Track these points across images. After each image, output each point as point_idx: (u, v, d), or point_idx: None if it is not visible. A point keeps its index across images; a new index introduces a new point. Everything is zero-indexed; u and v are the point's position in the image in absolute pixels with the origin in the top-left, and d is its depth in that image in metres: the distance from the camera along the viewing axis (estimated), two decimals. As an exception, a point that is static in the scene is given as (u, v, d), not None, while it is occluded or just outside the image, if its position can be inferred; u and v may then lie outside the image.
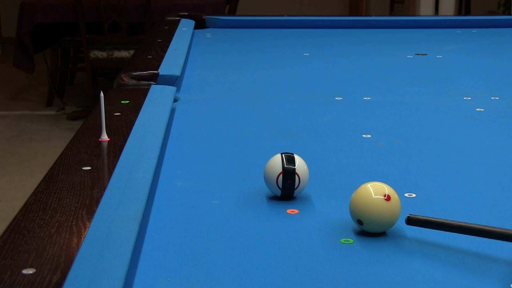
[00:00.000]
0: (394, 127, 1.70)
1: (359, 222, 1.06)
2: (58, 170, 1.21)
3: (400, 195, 1.23)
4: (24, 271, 0.84)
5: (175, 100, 1.84)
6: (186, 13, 3.24)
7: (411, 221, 1.06)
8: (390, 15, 7.30)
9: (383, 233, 1.07)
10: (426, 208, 1.18)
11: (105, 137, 1.38)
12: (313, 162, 1.45)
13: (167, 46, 2.39)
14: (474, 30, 3.11)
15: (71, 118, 5.15)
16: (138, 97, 1.73)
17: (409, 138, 1.61)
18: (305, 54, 2.62)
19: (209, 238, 1.07)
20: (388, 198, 1.06)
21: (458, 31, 3.10)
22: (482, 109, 1.82)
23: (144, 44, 2.54)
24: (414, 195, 1.23)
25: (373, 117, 1.78)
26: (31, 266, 0.86)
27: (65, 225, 0.98)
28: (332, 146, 1.56)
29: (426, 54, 2.57)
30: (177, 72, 2.02)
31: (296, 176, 1.19)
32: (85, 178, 1.17)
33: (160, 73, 1.96)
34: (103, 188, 1.12)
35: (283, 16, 3.36)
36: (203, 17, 3.21)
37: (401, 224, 1.11)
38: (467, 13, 6.93)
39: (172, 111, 1.73)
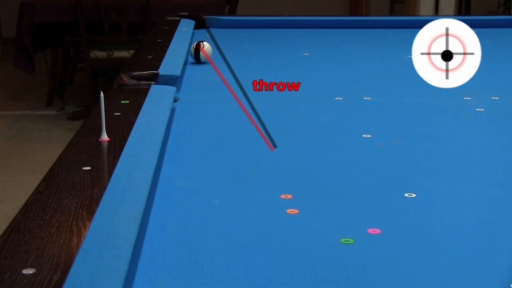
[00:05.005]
0: (394, 127, 1.70)
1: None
2: (58, 170, 1.21)
3: (400, 195, 1.24)
4: (24, 271, 0.84)
5: (175, 100, 1.84)
6: (186, 13, 3.24)
7: None
8: (390, 15, 7.29)
9: (382, 233, 1.07)
10: (426, 208, 1.18)
11: (105, 137, 1.38)
12: (313, 162, 1.45)
13: (167, 46, 2.39)
14: (474, 30, 3.11)
15: (71, 118, 5.15)
16: (138, 97, 1.73)
17: (409, 138, 1.61)
18: (305, 54, 2.62)
19: (209, 238, 1.07)
20: None
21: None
22: (482, 109, 1.82)
23: (144, 44, 2.54)
24: (414, 195, 1.23)
25: (373, 117, 1.78)
26: (31, 266, 0.86)
27: (65, 225, 0.98)
28: (332, 146, 1.56)
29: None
30: (177, 72, 2.02)
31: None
32: (85, 178, 1.17)
33: (160, 73, 1.96)
34: (103, 188, 1.12)
35: (283, 16, 3.36)
36: (203, 17, 3.21)
37: (401, 223, 1.11)
38: (467, 13, 6.93)
39: (172, 111, 1.73)
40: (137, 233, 0.98)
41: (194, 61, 2.35)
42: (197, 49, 2.32)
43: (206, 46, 2.33)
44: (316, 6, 8.04)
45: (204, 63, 2.32)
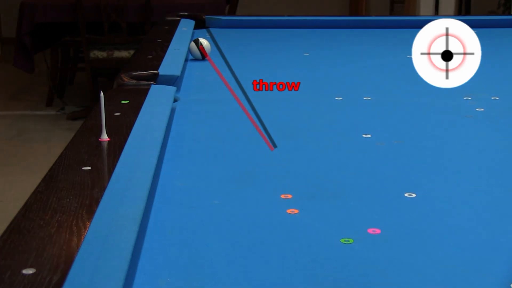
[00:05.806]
0: (394, 127, 1.70)
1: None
2: (58, 170, 1.21)
3: (400, 195, 1.24)
4: (24, 271, 0.84)
5: (175, 100, 1.84)
6: (186, 13, 3.24)
7: None
8: (390, 15, 7.29)
9: (382, 233, 1.07)
10: (426, 208, 1.18)
11: (105, 137, 1.38)
12: (313, 162, 1.45)
13: (167, 46, 2.39)
14: (474, 30, 3.11)
15: (71, 118, 5.15)
16: (138, 97, 1.73)
17: (409, 138, 1.61)
18: (305, 54, 2.62)
19: (209, 238, 1.07)
20: None
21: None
22: (482, 109, 1.82)
23: (144, 44, 2.54)
24: (414, 195, 1.23)
25: (373, 117, 1.78)
26: (31, 266, 0.86)
27: (65, 225, 0.98)
28: (332, 146, 1.56)
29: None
30: (177, 72, 2.02)
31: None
32: (85, 178, 1.17)
33: (160, 73, 1.96)
34: (103, 188, 1.12)
35: (283, 16, 3.36)
36: (203, 17, 3.21)
37: (401, 223, 1.11)
38: (467, 13, 6.93)
39: (172, 111, 1.73)
40: (137, 233, 0.98)
41: (194, 58, 2.43)
42: (197, 43, 2.42)
43: (205, 43, 2.42)
44: (316, 6, 8.04)
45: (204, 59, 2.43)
